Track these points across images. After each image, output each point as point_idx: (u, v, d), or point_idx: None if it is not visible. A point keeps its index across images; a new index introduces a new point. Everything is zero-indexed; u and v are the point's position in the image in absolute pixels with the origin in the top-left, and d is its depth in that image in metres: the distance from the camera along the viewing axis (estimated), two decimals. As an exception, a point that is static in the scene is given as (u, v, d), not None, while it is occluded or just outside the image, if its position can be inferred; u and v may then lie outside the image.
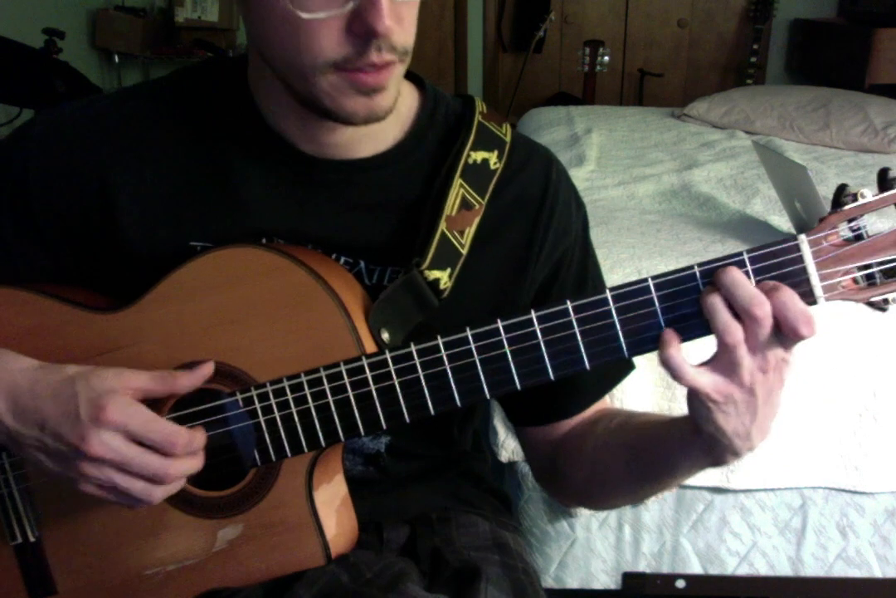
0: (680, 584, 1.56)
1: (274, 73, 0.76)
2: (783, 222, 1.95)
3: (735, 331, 0.66)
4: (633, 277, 1.57)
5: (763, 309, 0.65)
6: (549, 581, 1.55)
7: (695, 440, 0.74)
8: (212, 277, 0.76)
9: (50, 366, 0.75)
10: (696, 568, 1.55)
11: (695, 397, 0.70)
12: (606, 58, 3.98)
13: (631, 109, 3.58)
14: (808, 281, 0.67)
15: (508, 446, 1.44)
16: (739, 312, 0.66)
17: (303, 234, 0.83)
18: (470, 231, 0.83)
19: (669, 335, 0.69)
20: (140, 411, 0.72)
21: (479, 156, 0.85)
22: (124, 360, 0.77)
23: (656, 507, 1.51)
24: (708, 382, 0.68)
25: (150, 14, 4.28)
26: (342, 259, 0.84)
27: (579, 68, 4.04)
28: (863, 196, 0.66)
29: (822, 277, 0.67)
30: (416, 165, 0.85)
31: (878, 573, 1.54)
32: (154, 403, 0.76)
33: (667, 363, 0.68)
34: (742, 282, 0.65)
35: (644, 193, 2.21)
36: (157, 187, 0.82)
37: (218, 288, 0.76)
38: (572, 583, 1.55)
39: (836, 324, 1.45)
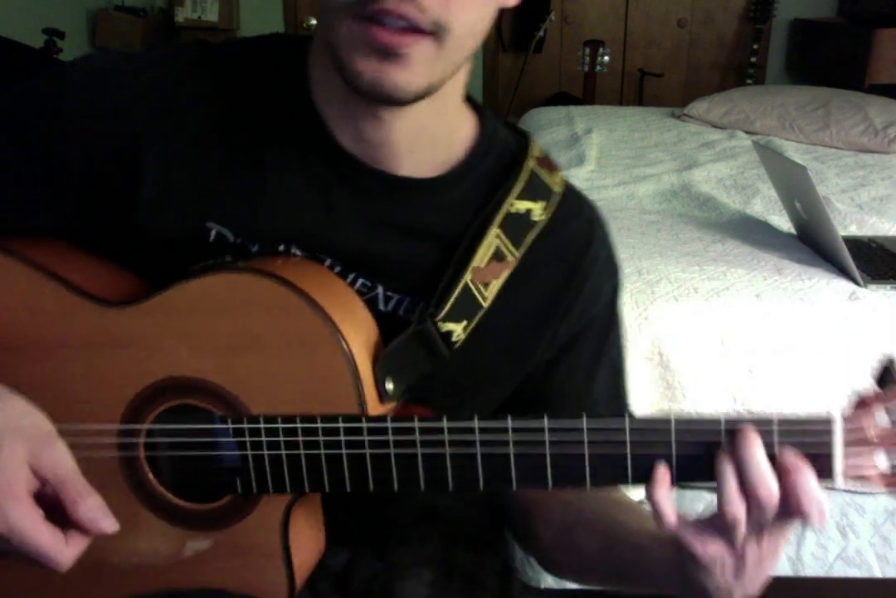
0: (680, 584, 1.56)
1: (322, 41, 0.71)
2: (783, 222, 1.95)
3: (739, 505, 0.64)
4: (633, 277, 1.58)
5: (769, 493, 0.63)
6: (549, 581, 1.55)
7: (675, 574, 0.71)
8: (222, 299, 0.73)
9: None
10: (696, 568, 1.55)
11: (685, 552, 0.67)
12: (606, 58, 3.98)
13: (631, 109, 3.58)
14: (830, 463, 0.64)
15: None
16: (746, 487, 0.64)
17: (324, 244, 0.77)
18: (497, 284, 0.78)
19: (662, 474, 0.66)
20: (26, 526, 0.64)
21: (523, 206, 0.79)
22: (112, 359, 0.75)
23: (656, 507, 1.51)
24: (696, 538, 0.66)
25: (150, 14, 4.28)
26: (359, 281, 0.78)
27: (579, 68, 4.03)
28: None
29: (847, 460, 0.64)
30: (459, 200, 0.79)
31: (878, 573, 1.54)
32: (139, 412, 0.74)
33: (651, 501, 0.66)
34: (757, 458, 0.63)
35: (644, 193, 2.21)
36: (188, 158, 0.75)
37: (227, 312, 0.73)
38: (572, 583, 1.55)
39: (836, 324, 1.45)
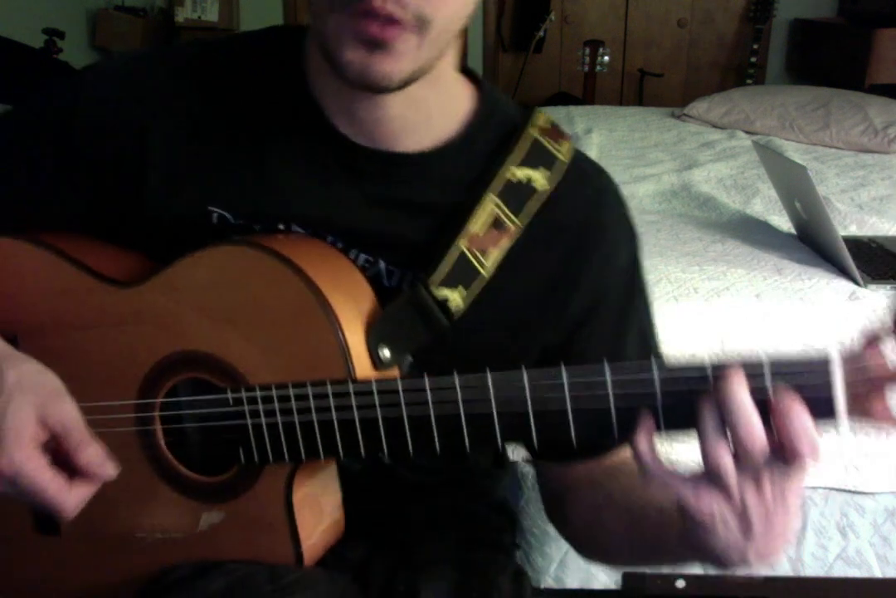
0: (680, 584, 1.56)
1: (313, 30, 0.74)
2: (783, 222, 1.95)
3: (719, 444, 0.61)
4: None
5: (749, 429, 0.59)
6: (549, 581, 1.55)
7: (692, 542, 0.68)
8: (219, 272, 0.76)
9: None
10: (696, 568, 1.55)
11: (684, 511, 0.65)
12: (606, 58, 3.98)
13: (631, 109, 3.58)
14: (830, 399, 0.59)
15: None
16: (728, 430, 0.60)
17: (326, 223, 0.79)
18: (496, 253, 0.78)
19: (645, 422, 0.64)
20: (31, 469, 0.68)
21: (522, 174, 0.79)
22: (125, 336, 0.79)
23: (656, 507, 1.51)
24: (687, 491, 0.63)
25: (150, 14, 4.28)
26: (361, 256, 0.80)
27: (579, 68, 4.03)
28: None
29: (851, 398, 0.59)
30: (458, 171, 0.80)
31: (878, 573, 1.54)
32: (153, 387, 0.78)
33: (635, 450, 0.64)
34: (735, 390, 0.59)
35: (644, 193, 2.21)
36: (192, 146, 0.79)
37: (225, 285, 0.76)
38: (572, 583, 1.55)
39: (835, 324, 1.44)
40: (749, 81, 4.04)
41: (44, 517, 0.86)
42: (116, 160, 0.80)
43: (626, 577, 1.55)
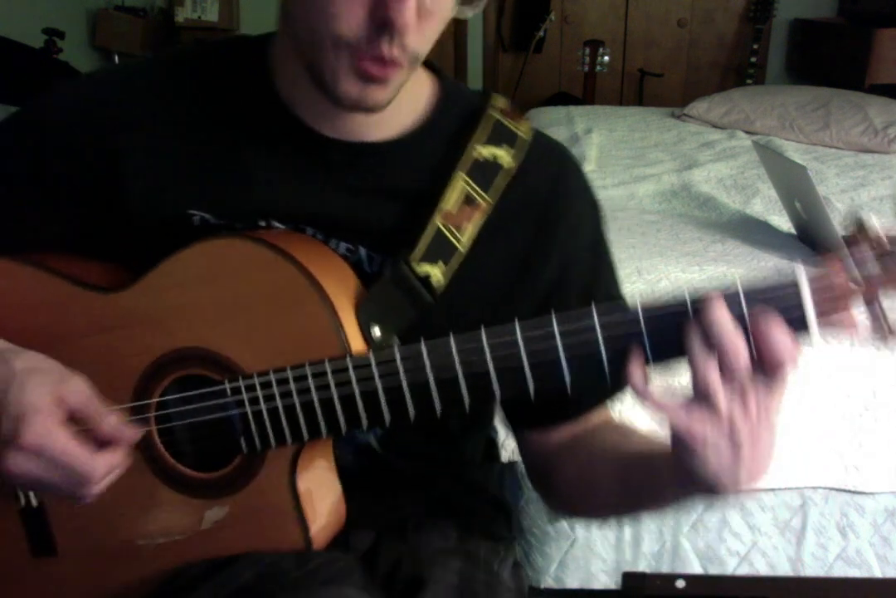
0: (680, 584, 1.56)
1: (292, 40, 0.77)
2: (783, 222, 1.95)
3: (708, 366, 0.64)
4: (633, 277, 1.58)
5: (734, 346, 0.63)
6: (549, 581, 1.55)
7: (683, 476, 0.71)
8: (206, 267, 0.77)
9: (2, 354, 0.76)
10: (696, 568, 1.55)
11: (675, 437, 0.68)
12: (606, 58, 3.98)
13: (631, 109, 3.58)
14: (803, 317, 0.64)
15: (508, 447, 1.44)
16: (714, 348, 0.64)
17: (303, 215, 0.82)
18: (470, 228, 0.81)
19: (636, 355, 0.67)
20: (58, 438, 0.71)
21: (487, 151, 0.83)
22: (117, 341, 0.79)
23: (656, 507, 1.51)
24: (679, 417, 0.66)
25: (150, 14, 4.28)
26: (342, 245, 0.83)
27: (579, 68, 4.03)
28: (871, 230, 0.63)
29: (820, 313, 0.64)
30: (425, 155, 0.84)
31: (878, 573, 1.54)
32: (148, 388, 0.79)
33: (629, 383, 0.67)
34: (717, 314, 0.63)
35: (644, 193, 2.22)
36: (165, 155, 0.82)
37: (212, 278, 0.77)
38: (572, 583, 1.55)
39: (836, 324, 1.44)
40: (749, 81, 4.03)
41: (38, 541, 0.85)
42: (92, 174, 0.83)
43: (626, 577, 1.55)
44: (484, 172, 0.83)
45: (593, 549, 1.53)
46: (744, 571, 1.55)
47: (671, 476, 0.73)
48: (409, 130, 0.84)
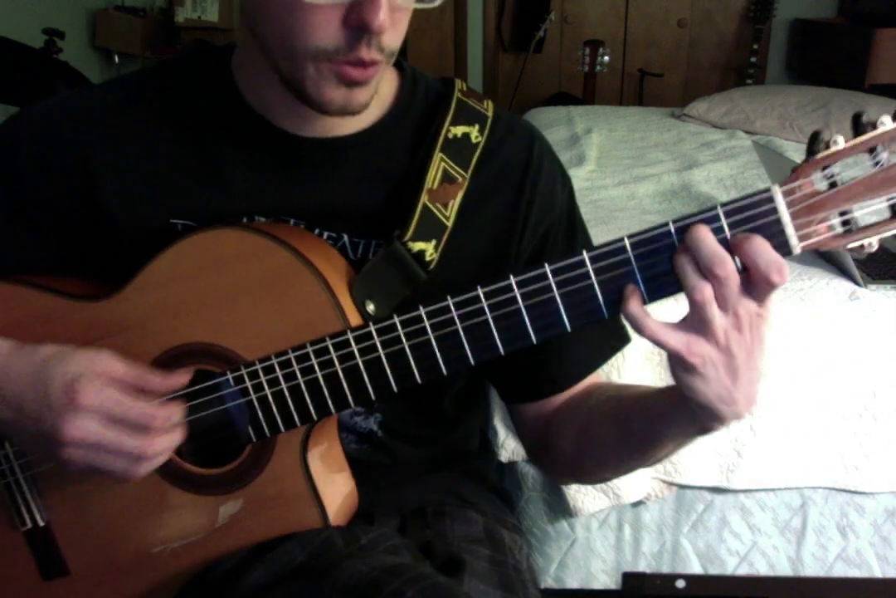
0: (680, 584, 1.56)
1: (262, 53, 0.78)
2: (783, 222, 1.95)
3: (703, 289, 0.66)
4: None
5: (725, 267, 0.65)
6: (549, 581, 1.55)
7: (681, 408, 0.73)
8: (194, 261, 0.78)
9: (25, 348, 0.77)
10: (696, 568, 1.55)
11: (675, 362, 0.69)
12: (606, 58, 3.98)
13: (631, 109, 3.58)
14: (782, 231, 0.66)
15: (508, 447, 1.44)
16: (703, 271, 0.65)
17: (284, 211, 0.85)
18: (454, 204, 0.84)
19: (631, 290, 0.68)
20: (113, 393, 0.73)
21: (459, 130, 0.87)
22: (114, 346, 0.79)
23: (656, 507, 1.51)
24: (678, 340, 0.68)
25: (150, 14, 4.28)
26: (325, 234, 0.85)
27: (579, 68, 4.03)
28: (835, 143, 0.65)
29: (797, 227, 0.66)
30: (397, 142, 0.87)
31: (878, 573, 1.54)
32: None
33: (626, 315, 0.69)
34: (705, 241, 0.65)
35: (644, 193, 2.21)
36: (140, 168, 0.84)
37: (201, 271, 0.77)
38: (572, 583, 1.55)
39: (835, 324, 1.45)
40: (749, 81, 4.04)
41: (48, 562, 0.84)
42: (69, 193, 0.84)
43: (626, 577, 1.55)
44: (458, 150, 0.86)
45: (593, 549, 1.53)
46: (744, 571, 1.55)
47: (671, 411, 0.75)
48: (378, 118, 0.87)
